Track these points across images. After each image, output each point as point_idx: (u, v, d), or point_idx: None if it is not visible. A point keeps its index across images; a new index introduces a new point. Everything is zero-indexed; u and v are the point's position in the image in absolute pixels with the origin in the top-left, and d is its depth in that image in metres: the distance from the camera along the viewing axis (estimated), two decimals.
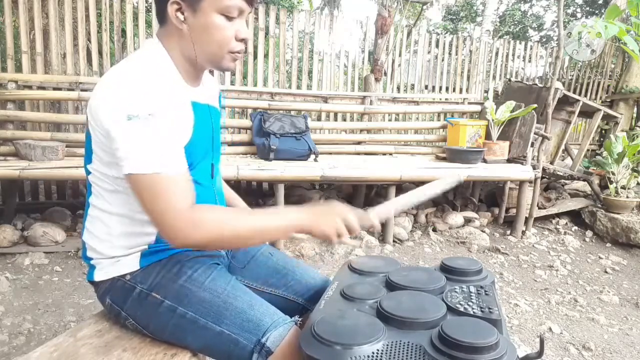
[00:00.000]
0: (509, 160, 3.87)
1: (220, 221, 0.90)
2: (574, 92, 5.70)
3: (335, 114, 4.45)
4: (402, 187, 4.34)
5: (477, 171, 3.51)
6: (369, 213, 1.04)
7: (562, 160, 4.83)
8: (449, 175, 1.16)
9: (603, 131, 5.84)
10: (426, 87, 5.67)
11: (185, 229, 0.86)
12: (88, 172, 1.01)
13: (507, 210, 4.03)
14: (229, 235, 0.90)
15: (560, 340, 2.22)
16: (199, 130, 1.01)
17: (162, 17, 0.97)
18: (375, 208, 1.06)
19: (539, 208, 4.05)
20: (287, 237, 1.01)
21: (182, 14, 0.93)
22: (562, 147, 4.17)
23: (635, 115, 6.16)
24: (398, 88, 5.30)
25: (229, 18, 0.95)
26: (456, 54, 5.56)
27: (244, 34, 0.98)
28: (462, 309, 0.93)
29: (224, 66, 1.00)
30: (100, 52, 3.89)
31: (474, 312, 0.92)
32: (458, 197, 4.34)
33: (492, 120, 3.87)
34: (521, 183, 3.65)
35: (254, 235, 0.94)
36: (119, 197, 0.98)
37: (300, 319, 1.02)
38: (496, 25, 13.01)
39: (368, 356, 0.77)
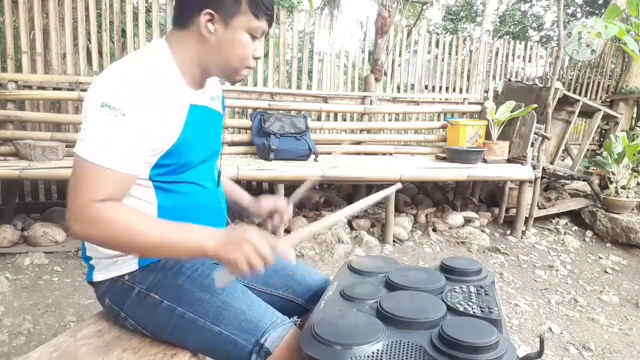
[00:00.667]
0: (509, 160, 3.87)
1: (120, 224, 0.86)
2: (574, 92, 5.70)
3: (335, 114, 4.45)
4: (402, 187, 4.34)
5: (477, 171, 3.51)
6: (282, 240, 0.91)
7: (562, 160, 4.83)
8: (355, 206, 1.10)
9: (603, 131, 5.84)
10: (426, 87, 5.67)
11: (83, 222, 0.86)
12: None
13: (507, 210, 4.03)
14: (124, 241, 0.87)
15: (560, 340, 2.22)
16: (195, 133, 1.01)
17: (184, 22, 0.98)
18: (288, 235, 0.95)
19: (539, 208, 4.05)
20: (190, 257, 0.96)
21: (213, 25, 0.96)
22: (562, 147, 4.17)
23: (635, 115, 6.16)
24: (398, 88, 5.30)
25: (253, 37, 0.99)
26: (456, 54, 5.56)
27: (259, 53, 1.02)
28: (462, 309, 0.93)
29: (236, 79, 1.05)
30: (100, 52, 3.89)
31: (473, 312, 0.92)
32: (458, 197, 4.34)
33: (492, 120, 3.87)
34: (521, 183, 3.65)
35: (151, 246, 0.88)
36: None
37: (299, 320, 1.02)
38: (496, 25, 13.01)
39: (368, 356, 0.77)
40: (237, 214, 3.66)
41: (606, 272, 3.17)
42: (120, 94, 0.87)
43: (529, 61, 6.15)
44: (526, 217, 3.74)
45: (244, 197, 1.32)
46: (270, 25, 1.02)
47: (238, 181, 3.98)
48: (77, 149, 0.88)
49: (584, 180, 4.26)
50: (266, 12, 0.97)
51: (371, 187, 4.27)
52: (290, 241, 0.92)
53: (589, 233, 3.87)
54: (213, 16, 0.95)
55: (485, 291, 1.03)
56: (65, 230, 3.13)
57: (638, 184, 4.02)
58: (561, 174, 4.07)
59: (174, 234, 0.89)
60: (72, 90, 3.44)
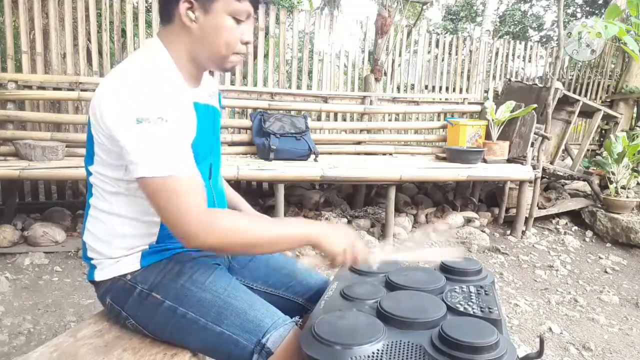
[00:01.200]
0: (509, 160, 3.87)
1: (234, 227, 0.90)
2: (574, 92, 5.70)
3: (335, 114, 4.45)
4: (402, 187, 4.35)
5: (477, 171, 3.51)
6: (375, 253, 1.03)
7: (562, 160, 4.83)
8: (452, 252, 1.17)
9: (603, 131, 5.84)
10: (426, 87, 5.67)
11: (200, 232, 0.86)
12: (89, 173, 1.01)
13: (507, 210, 4.03)
14: (241, 242, 0.91)
15: (560, 340, 2.22)
16: (200, 131, 1.01)
17: (168, 16, 0.97)
18: (382, 250, 1.07)
19: (539, 208, 4.05)
20: (298, 247, 1.00)
21: (193, 13, 0.94)
22: (562, 147, 4.17)
23: (635, 115, 6.16)
24: (398, 88, 5.30)
25: (238, 21, 0.97)
26: (456, 54, 5.56)
27: (248, 37, 1.00)
28: (462, 309, 0.93)
29: (227, 67, 1.01)
30: (100, 52, 3.89)
31: (474, 312, 0.92)
32: (458, 197, 4.34)
33: (492, 120, 3.87)
34: (521, 183, 3.65)
35: (265, 243, 0.93)
36: (120, 199, 0.98)
37: (300, 320, 1.02)
38: (496, 25, 13.01)
39: (368, 356, 0.77)
40: None
41: (606, 272, 3.17)
42: (148, 103, 0.85)
43: (529, 61, 6.15)
44: (526, 217, 3.74)
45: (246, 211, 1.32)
46: (256, 8, 0.99)
47: (238, 181, 3.99)
48: (144, 172, 0.85)
49: (584, 180, 4.26)
50: None
51: (371, 187, 4.27)
52: (380, 257, 1.03)
53: (589, 233, 3.87)
54: (192, 4, 0.93)
55: (485, 291, 1.03)
56: (65, 229, 3.13)
57: (638, 184, 4.02)
58: (561, 174, 4.07)
59: (284, 231, 0.95)
60: (72, 90, 3.44)
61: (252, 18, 1.00)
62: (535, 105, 3.69)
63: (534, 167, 3.65)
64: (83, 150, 1.05)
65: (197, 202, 0.87)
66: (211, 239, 0.87)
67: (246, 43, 1.00)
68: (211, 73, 1.20)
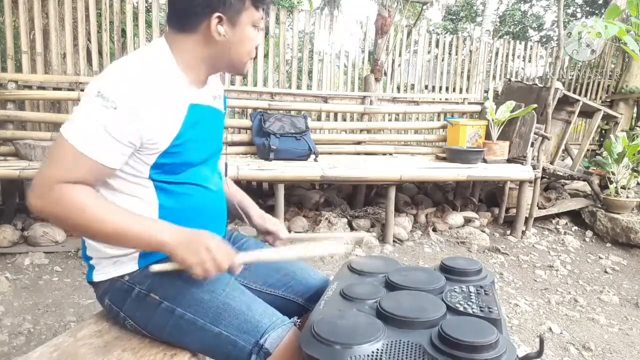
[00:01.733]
0: (509, 160, 3.87)
1: (79, 207, 0.88)
2: (574, 92, 5.70)
3: (335, 114, 4.45)
4: (402, 187, 4.35)
5: (477, 171, 3.51)
6: (239, 255, 0.97)
7: (562, 160, 4.83)
8: (335, 245, 1.07)
9: (603, 131, 5.84)
10: (426, 87, 5.67)
11: (47, 199, 0.87)
12: None
13: (507, 210, 4.03)
14: (81, 223, 0.89)
15: (560, 340, 2.22)
16: (196, 132, 1.00)
17: (189, 26, 0.97)
18: (248, 253, 1.01)
19: (539, 208, 4.05)
20: (146, 249, 0.97)
21: (223, 26, 0.97)
22: (562, 147, 4.17)
23: (635, 115, 6.16)
24: (398, 88, 5.30)
25: (257, 29, 1.01)
26: (456, 54, 5.56)
27: (260, 41, 1.04)
28: (461, 309, 0.93)
29: (244, 71, 1.07)
30: (100, 52, 3.89)
31: (473, 311, 0.92)
32: (458, 197, 4.34)
33: (492, 120, 3.87)
34: (521, 183, 3.65)
35: (110, 233, 0.89)
36: (119, 198, 0.98)
37: (298, 320, 1.02)
38: (496, 25, 13.01)
39: (368, 356, 0.77)
40: (236, 216, 3.67)
41: (606, 272, 3.17)
42: (116, 87, 0.88)
43: (529, 61, 6.15)
44: (526, 217, 3.74)
45: (250, 207, 1.31)
46: (267, 14, 1.04)
47: (238, 181, 3.99)
48: (63, 128, 0.89)
49: (584, 180, 4.26)
50: (264, 0, 1.00)
51: (371, 187, 4.27)
52: (246, 258, 0.99)
53: (589, 233, 3.87)
54: (222, 18, 0.96)
55: (485, 291, 1.03)
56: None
57: (638, 184, 4.02)
58: (561, 174, 4.07)
59: (133, 225, 0.90)
60: (72, 90, 3.44)
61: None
62: (535, 105, 3.69)
63: (534, 167, 3.65)
64: None
65: (66, 175, 0.87)
66: (52, 209, 0.88)
67: (257, 46, 1.05)
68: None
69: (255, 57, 1.08)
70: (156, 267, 0.95)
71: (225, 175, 1.16)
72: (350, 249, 1.07)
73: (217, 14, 0.95)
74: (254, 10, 0.98)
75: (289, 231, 1.50)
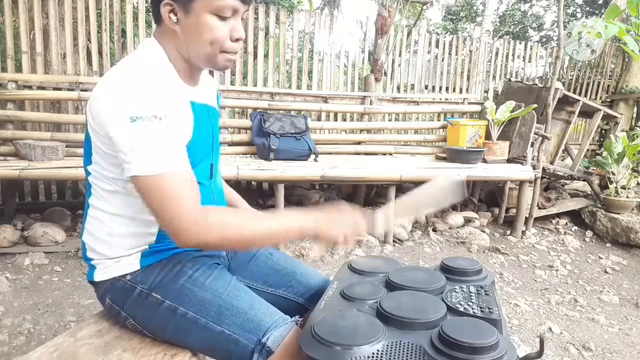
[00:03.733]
0: (509, 160, 3.87)
1: (226, 223, 0.89)
2: (574, 92, 5.70)
3: (335, 114, 4.45)
4: (402, 187, 4.35)
5: (477, 171, 3.51)
6: (377, 216, 1.01)
7: (562, 160, 4.83)
8: (455, 191, 1.05)
9: (603, 131, 5.84)
10: (426, 87, 5.67)
11: (192, 230, 0.86)
12: (88, 173, 1.01)
13: (507, 210, 4.03)
14: (234, 238, 0.91)
15: (560, 340, 2.22)
16: (198, 130, 1.01)
17: (158, 17, 0.97)
18: (382, 209, 1.03)
19: (539, 208, 4.05)
20: (294, 240, 1.01)
21: (175, 15, 0.94)
22: (562, 147, 4.17)
23: (635, 115, 6.16)
24: (398, 88, 5.30)
25: (222, 18, 0.94)
26: (456, 54, 5.55)
27: (239, 34, 0.97)
28: (462, 309, 0.93)
29: (220, 66, 0.99)
30: (100, 52, 3.89)
31: (473, 312, 0.92)
32: None
33: (492, 120, 3.87)
34: (521, 183, 3.65)
35: (259, 238, 0.93)
36: (119, 198, 0.98)
37: (300, 319, 1.03)
38: (496, 25, 13.01)
39: (368, 356, 0.77)
40: None
41: (606, 272, 3.17)
42: (142, 102, 0.85)
43: (529, 61, 6.15)
44: (526, 217, 3.74)
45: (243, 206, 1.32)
46: (244, 2, 0.95)
47: (238, 181, 3.99)
48: (138, 170, 0.85)
49: (584, 180, 4.26)
50: None
51: (371, 187, 4.27)
52: (384, 218, 1.02)
53: (589, 233, 3.87)
54: (173, 6, 0.93)
55: (485, 291, 1.03)
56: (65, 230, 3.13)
57: (638, 184, 4.03)
58: (561, 174, 4.07)
59: (278, 224, 0.94)
60: (72, 90, 3.44)
61: (241, 13, 0.97)
62: (535, 105, 3.69)
63: (534, 167, 3.65)
64: (83, 150, 1.04)
65: (188, 199, 0.87)
66: (200, 237, 0.87)
67: (237, 40, 0.98)
68: (211, 73, 1.20)
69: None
70: (316, 254, 1.00)
71: (211, 175, 1.15)
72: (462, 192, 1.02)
73: (166, 0, 0.92)
74: None
75: None
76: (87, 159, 1.00)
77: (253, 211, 1.01)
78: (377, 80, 4.63)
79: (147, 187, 0.86)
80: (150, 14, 4.55)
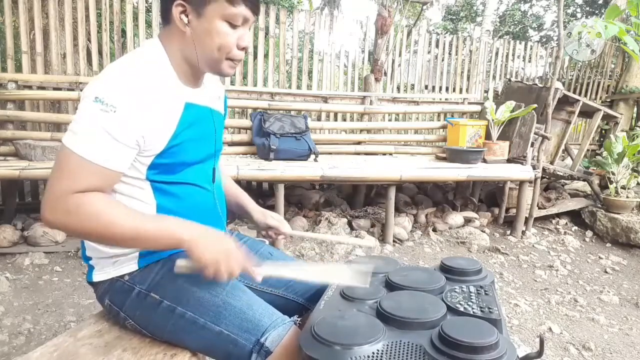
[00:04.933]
0: (509, 160, 3.87)
1: (95, 214, 0.87)
2: (574, 92, 5.70)
3: (335, 114, 4.45)
4: (402, 187, 4.35)
5: (477, 171, 3.51)
6: (259, 266, 0.97)
7: (562, 160, 4.83)
8: (357, 277, 1.01)
9: (603, 131, 5.84)
10: (426, 87, 5.67)
11: (59, 212, 0.86)
12: None
13: (507, 210, 4.03)
14: (100, 231, 0.88)
15: (560, 340, 2.22)
16: (192, 132, 1.01)
17: (166, 17, 0.98)
18: (265, 267, 0.99)
19: (539, 208, 4.05)
20: (166, 249, 0.96)
21: (187, 16, 0.95)
22: (562, 147, 4.17)
23: (635, 115, 6.16)
24: (398, 88, 5.30)
25: (233, 26, 0.96)
26: (456, 54, 5.56)
27: (245, 43, 0.99)
28: (462, 309, 0.93)
29: (223, 72, 1.01)
30: (100, 52, 3.89)
31: (473, 312, 0.92)
32: (458, 197, 4.34)
33: (492, 120, 3.87)
34: (521, 183, 3.65)
35: (128, 237, 0.89)
36: (117, 198, 0.98)
37: (299, 319, 1.02)
38: (496, 25, 13.01)
39: (368, 356, 0.77)
40: (236, 215, 3.67)
41: (606, 272, 3.17)
42: (113, 90, 0.87)
43: (529, 61, 6.15)
44: (526, 217, 3.74)
45: (248, 204, 1.31)
46: (254, 12, 0.97)
47: (238, 181, 3.99)
48: (65, 139, 0.88)
49: (584, 180, 4.26)
50: None
51: (371, 187, 4.27)
52: (263, 270, 0.98)
53: (589, 233, 3.87)
54: (185, 7, 0.94)
55: (485, 291, 1.03)
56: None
57: (638, 184, 4.02)
58: (561, 174, 4.07)
59: (151, 225, 0.90)
60: (72, 90, 3.44)
61: (250, 23, 0.99)
62: (535, 105, 3.69)
63: (534, 167, 3.65)
64: None
65: (78, 186, 0.86)
66: (64, 221, 0.87)
67: (243, 48, 0.99)
68: None
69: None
70: (180, 264, 0.94)
71: (213, 179, 1.14)
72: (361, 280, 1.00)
73: (179, 1, 0.93)
74: (225, 4, 0.93)
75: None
76: None
77: (132, 209, 0.93)
78: (377, 80, 4.63)
79: (59, 156, 0.89)
80: (151, 14, 4.56)
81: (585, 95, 6.15)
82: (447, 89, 5.64)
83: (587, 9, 11.92)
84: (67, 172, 0.87)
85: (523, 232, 3.72)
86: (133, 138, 0.90)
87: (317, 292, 1.18)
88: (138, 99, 0.89)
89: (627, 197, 3.81)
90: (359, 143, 4.13)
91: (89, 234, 0.90)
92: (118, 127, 0.87)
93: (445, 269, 1.15)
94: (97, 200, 0.88)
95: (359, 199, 4.15)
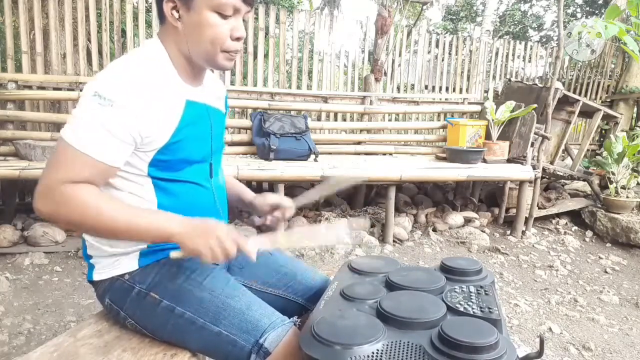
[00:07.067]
0: (509, 160, 3.87)
1: (87, 205, 0.87)
2: (574, 92, 5.70)
3: (335, 114, 4.45)
4: (402, 187, 4.35)
5: (477, 171, 3.51)
6: (250, 239, 0.95)
7: (562, 160, 4.83)
8: (343, 231, 1.01)
9: (603, 131, 5.84)
10: (426, 87, 5.67)
11: (51, 201, 0.87)
12: None
13: (507, 210, 4.03)
14: (91, 223, 0.89)
15: (560, 340, 2.22)
16: (193, 130, 1.01)
17: (161, 15, 0.99)
18: (258, 236, 0.99)
19: (539, 208, 4.05)
20: (156, 241, 0.95)
21: (177, 12, 0.95)
22: (562, 147, 4.17)
23: (635, 115, 6.16)
24: (398, 88, 5.30)
25: (224, 16, 0.95)
26: (456, 54, 5.56)
27: (239, 33, 0.98)
28: (462, 309, 0.93)
29: (220, 65, 0.99)
30: (100, 52, 3.89)
31: (473, 312, 0.92)
32: (458, 197, 4.34)
33: (492, 120, 3.87)
34: (521, 183, 3.65)
35: (119, 230, 0.89)
36: (117, 196, 0.98)
37: (298, 320, 1.02)
38: (496, 25, 13.01)
39: (368, 356, 0.77)
40: (237, 213, 3.66)
41: (606, 272, 3.17)
42: (112, 85, 0.88)
43: (529, 61, 6.15)
44: (526, 217, 3.74)
45: (246, 192, 1.31)
46: (246, 2, 0.96)
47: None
48: (62, 131, 0.89)
49: (584, 180, 4.26)
50: None
51: (371, 187, 4.27)
52: (258, 243, 0.96)
53: (589, 233, 3.87)
54: (175, 3, 0.94)
55: (485, 291, 1.02)
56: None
57: (638, 184, 4.02)
58: (561, 174, 4.07)
59: (142, 218, 0.91)
60: (72, 90, 3.44)
61: (242, 13, 0.97)
62: (535, 105, 3.69)
63: (534, 167, 3.65)
64: None
65: (68, 176, 0.87)
66: (54, 210, 0.87)
67: (237, 39, 0.98)
68: (212, 72, 1.19)
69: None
70: (174, 254, 0.94)
71: (211, 176, 1.13)
72: (354, 238, 1.00)
73: None
74: None
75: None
76: None
77: (123, 202, 0.94)
78: (377, 80, 4.63)
79: (57, 148, 0.90)
80: (151, 14, 4.56)
81: (585, 95, 6.14)
82: (447, 89, 5.64)
83: (587, 9, 11.92)
84: (61, 163, 0.88)
85: (523, 232, 3.72)
86: (129, 133, 0.90)
87: (317, 292, 1.18)
88: (136, 94, 0.89)
89: (627, 197, 3.81)
90: (359, 143, 4.12)
91: (78, 225, 0.91)
92: (114, 122, 0.88)
93: (445, 269, 1.15)
94: (88, 192, 0.88)
95: (359, 199, 4.14)
